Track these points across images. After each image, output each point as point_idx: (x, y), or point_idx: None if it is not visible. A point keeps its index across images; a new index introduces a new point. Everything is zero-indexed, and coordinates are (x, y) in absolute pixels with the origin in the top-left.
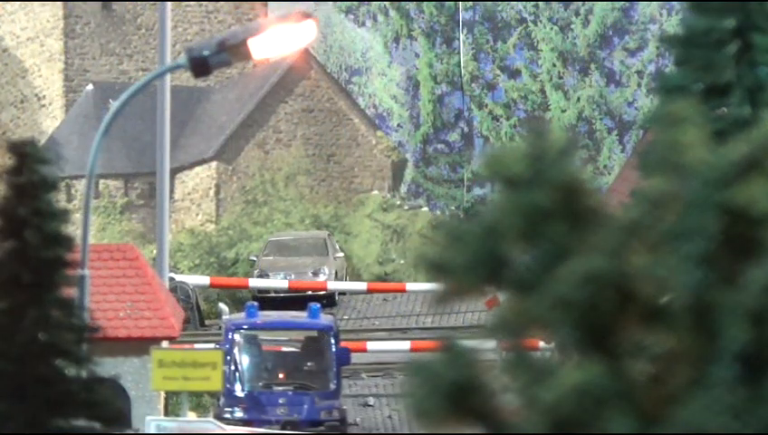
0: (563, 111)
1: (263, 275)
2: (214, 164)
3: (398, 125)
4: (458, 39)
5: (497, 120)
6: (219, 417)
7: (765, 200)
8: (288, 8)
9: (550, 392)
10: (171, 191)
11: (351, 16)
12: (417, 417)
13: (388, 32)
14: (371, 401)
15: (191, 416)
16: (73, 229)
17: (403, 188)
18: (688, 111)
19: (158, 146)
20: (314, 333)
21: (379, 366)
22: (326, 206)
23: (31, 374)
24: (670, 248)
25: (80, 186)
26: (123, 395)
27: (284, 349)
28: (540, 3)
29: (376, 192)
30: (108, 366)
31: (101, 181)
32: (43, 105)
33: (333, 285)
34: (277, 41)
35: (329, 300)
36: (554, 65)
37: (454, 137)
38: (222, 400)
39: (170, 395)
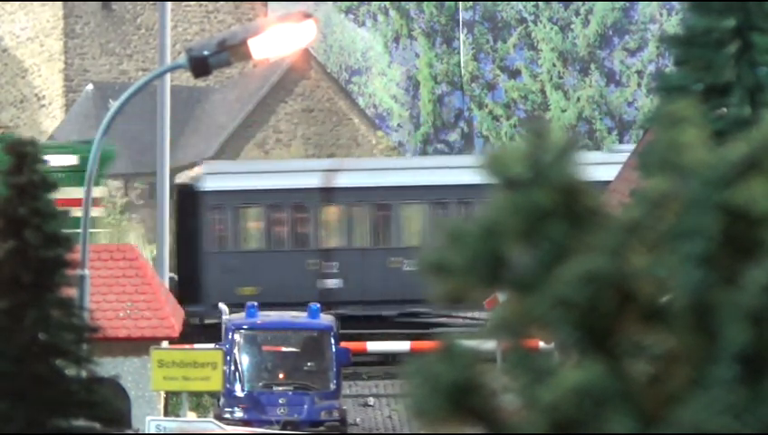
0: (563, 111)
1: None
2: None
3: (398, 125)
4: (458, 39)
5: (497, 120)
6: (219, 417)
7: (765, 200)
8: (288, 8)
9: (550, 392)
10: (171, 191)
11: (351, 16)
12: (417, 417)
13: (388, 32)
14: (371, 401)
15: (191, 416)
16: None
17: None
18: (688, 111)
19: (158, 146)
20: (314, 334)
21: (379, 367)
22: None
23: (31, 374)
24: (670, 248)
25: None
26: (123, 395)
27: (284, 349)
28: (540, 3)
29: None
30: (108, 366)
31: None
32: (43, 105)
33: None
34: (277, 41)
35: None
36: (554, 65)
37: (454, 137)
38: (222, 400)
39: (170, 395)
